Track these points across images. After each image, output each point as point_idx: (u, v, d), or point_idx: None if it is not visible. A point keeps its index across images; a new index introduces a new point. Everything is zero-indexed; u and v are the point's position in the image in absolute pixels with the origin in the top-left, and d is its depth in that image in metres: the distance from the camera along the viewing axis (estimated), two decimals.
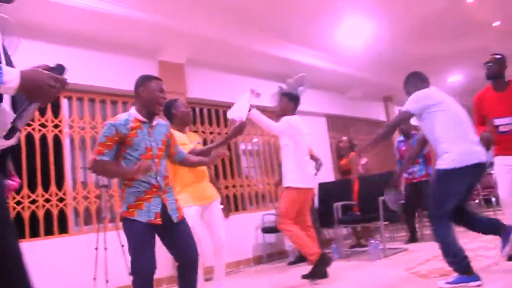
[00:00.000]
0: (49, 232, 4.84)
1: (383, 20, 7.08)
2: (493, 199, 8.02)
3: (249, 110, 4.09)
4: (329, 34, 7.25)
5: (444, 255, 3.32)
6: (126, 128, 2.67)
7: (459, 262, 3.22)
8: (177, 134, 3.51)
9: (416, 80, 3.68)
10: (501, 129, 3.88)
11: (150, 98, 2.75)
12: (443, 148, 3.34)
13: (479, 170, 3.32)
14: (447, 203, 3.29)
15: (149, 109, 2.76)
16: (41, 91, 1.37)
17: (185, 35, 5.87)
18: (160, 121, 2.90)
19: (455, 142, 3.31)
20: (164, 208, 2.70)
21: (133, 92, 5.95)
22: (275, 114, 4.53)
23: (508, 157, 3.88)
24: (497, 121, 3.90)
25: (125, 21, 5.23)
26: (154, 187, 2.70)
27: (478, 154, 3.30)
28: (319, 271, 4.23)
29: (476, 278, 3.16)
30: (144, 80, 2.82)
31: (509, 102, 3.82)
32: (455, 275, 3.25)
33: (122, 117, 2.74)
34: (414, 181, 6.41)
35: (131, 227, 2.63)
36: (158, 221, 2.65)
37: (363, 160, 7.39)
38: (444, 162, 3.31)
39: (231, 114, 4.05)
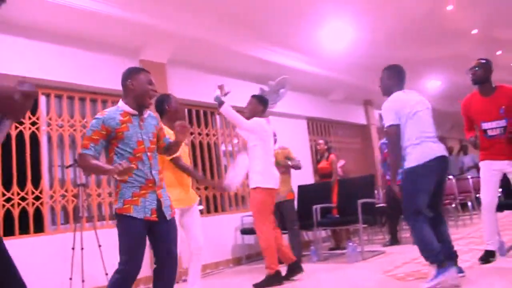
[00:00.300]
0: (24, 231, 4.74)
1: (365, 24, 7.15)
2: (469, 204, 8.16)
3: (220, 105, 4.30)
4: (311, 37, 7.29)
5: (420, 249, 3.41)
6: (116, 122, 2.58)
7: (436, 256, 3.29)
8: (168, 131, 3.47)
9: (394, 78, 3.78)
10: (489, 133, 3.94)
11: (139, 90, 2.67)
12: (408, 150, 3.50)
13: (442, 164, 3.48)
14: (418, 200, 3.42)
15: (139, 102, 2.69)
16: (8, 106, 1.32)
17: (167, 34, 5.83)
18: (150, 113, 2.82)
19: (417, 143, 3.48)
20: (159, 204, 2.64)
21: (113, 91, 5.91)
22: (245, 115, 4.58)
23: (495, 161, 3.94)
24: (485, 125, 3.95)
25: (106, 19, 5.17)
26: (149, 182, 2.62)
27: (438, 148, 3.50)
28: (269, 284, 4.36)
29: (449, 267, 3.26)
30: (131, 73, 2.74)
31: (496, 106, 3.87)
32: (433, 273, 3.31)
33: (110, 110, 2.66)
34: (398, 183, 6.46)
35: (127, 224, 2.54)
36: (154, 217, 2.59)
37: (341, 162, 7.44)
38: (409, 161, 3.48)
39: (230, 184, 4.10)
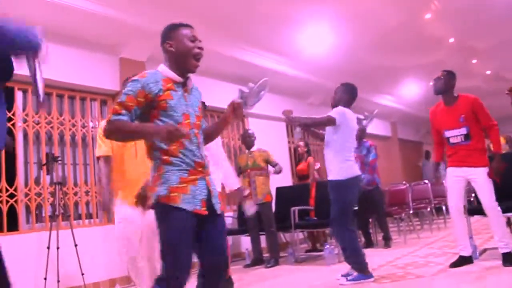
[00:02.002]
0: None
1: (345, 30, 7.24)
2: (444, 208, 8.33)
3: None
4: (292, 40, 7.35)
5: (347, 256, 4.03)
6: (158, 88, 2.10)
7: (361, 263, 3.92)
8: None
9: (348, 94, 4.29)
10: (452, 140, 4.14)
11: (181, 50, 2.19)
12: (338, 161, 4.05)
13: (358, 182, 4.12)
14: (347, 211, 4.03)
15: (181, 66, 2.20)
16: None
17: (147, 32, 5.77)
18: (194, 84, 2.34)
19: (348, 159, 4.06)
20: (209, 194, 2.15)
21: (92, 88, 5.85)
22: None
23: (458, 168, 4.11)
24: (447, 133, 4.16)
25: (86, 15, 5.09)
26: (199, 165, 2.13)
27: (357, 168, 4.15)
28: None
29: (371, 276, 3.92)
30: (169, 31, 2.25)
31: (457, 115, 4.07)
32: (355, 274, 3.93)
33: (150, 73, 2.16)
34: (364, 188, 6.56)
35: (173, 218, 2.03)
36: (204, 211, 2.09)
37: (317, 165, 7.51)
38: (340, 174, 4.02)
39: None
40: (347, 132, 4.08)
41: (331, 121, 4.06)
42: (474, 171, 3.99)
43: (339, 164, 4.02)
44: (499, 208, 3.92)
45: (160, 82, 2.12)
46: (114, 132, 2.09)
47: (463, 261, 4.08)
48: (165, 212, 2.04)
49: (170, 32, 2.24)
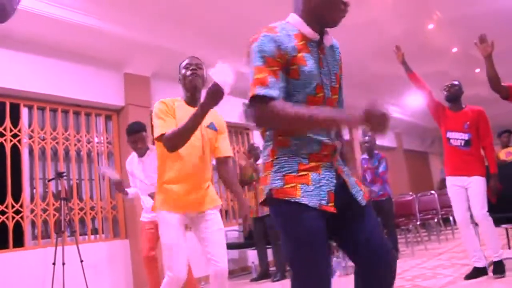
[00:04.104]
0: (3, 245, 4.65)
1: (347, 40, 7.21)
2: (451, 218, 8.25)
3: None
4: None
5: None
6: (292, 46, 1.53)
7: None
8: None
9: None
10: (452, 142, 4.19)
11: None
12: None
13: None
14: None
15: (321, 18, 1.60)
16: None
17: (151, 48, 5.84)
18: (334, 40, 1.74)
19: None
20: (341, 185, 1.62)
21: (97, 104, 5.88)
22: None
23: (458, 177, 4.11)
24: (450, 134, 4.21)
25: (91, 31, 5.15)
26: (326, 148, 1.59)
27: None
28: None
29: None
30: None
31: (462, 120, 4.15)
32: None
33: (279, 25, 1.58)
34: (375, 200, 6.53)
35: (295, 218, 1.52)
36: (331, 207, 1.54)
37: None
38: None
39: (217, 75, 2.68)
40: None
41: None
42: (469, 180, 4.04)
43: None
44: (490, 218, 3.94)
45: (293, 37, 1.55)
46: (272, 118, 1.49)
47: (478, 272, 4.01)
48: (283, 211, 1.55)
49: None
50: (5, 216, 4.71)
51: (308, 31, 1.58)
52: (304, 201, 1.50)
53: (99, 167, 5.57)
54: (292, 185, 1.52)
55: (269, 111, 1.46)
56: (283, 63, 1.50)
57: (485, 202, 3.96)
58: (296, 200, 1.50)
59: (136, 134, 4.08)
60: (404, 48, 4.48)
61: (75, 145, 5.57)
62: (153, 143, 3.92)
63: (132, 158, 4.28)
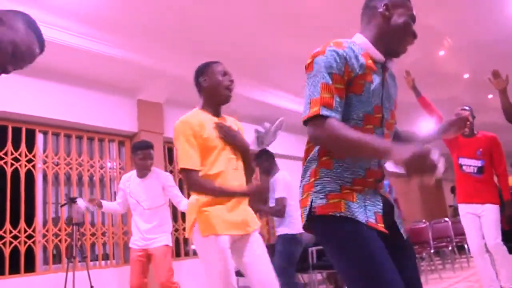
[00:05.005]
0: (15, 270, 4.66)
1: None
2: (466, 246, 8.10)
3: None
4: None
5: None
6: (359, 65, 1.50)
7: None
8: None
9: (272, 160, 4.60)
10: (465, 169, 4.14)
11: (397, 23, 1.59)
12: (291, 219, 4.11)
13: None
14: (293, 264, 4.13)
15: (390, 47, 1.61)
16: None
17: (164, 75, 5.92)
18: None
19: (296, 211, 4.02)
20: (387, 210, 1.53)
21: (111, 130, 5.93)
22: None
23: (470, 205, 4.05)
24: (462, 161, 4.18)
25: (105, 59, 5.26)
26: (371, 175, 1.52)
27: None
28: None
29: None
30: None
31: (475, 147, 4.12)
32: None
33: (347, 43, 1.54)
34: None
35: (344, 230, 1.42)
36: (382, 227, 1.44)
37: None
38: (291, 228, 4.10)
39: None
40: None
41: None
42: (483, 208, 3.98)
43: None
44: (504, 247, 3.87)
45: (360, 56, 1.53)
46: (331, 140, 1.42)
47: None
48: (328, 226, 1.45)
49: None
50: (18, 240, 4.73)
51: (375, 53, 1.57)
52: (350, 215, 1.41)
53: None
54: (336, 200, 1.44)
55: (329, 132, 1.40)
56: (348, 80, 1.47)
57: (499, 231, 3.89)
58: (342, 215, 1.41)
59: (147, 150, 3.95)
60: (415, 75, 4.49)
61: (88, 170, 5.62)
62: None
63: (130, 176, 4.07)
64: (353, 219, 1.41)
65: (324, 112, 1.40)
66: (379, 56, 1.56)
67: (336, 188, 1.46)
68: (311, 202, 1.48)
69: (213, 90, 2.33)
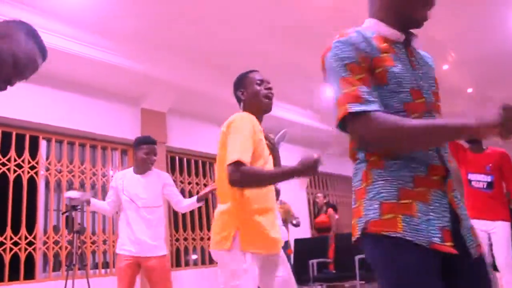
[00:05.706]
0: (15, 277, 4.64)
1: None
2: None
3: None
4: (312, 91, 7.44)
5: None
6: (372, 47, 1.32)
7: None
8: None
9: None
10: (474, 184, 4.08)
11: None
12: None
13: None
14: None
15: (404, 17, 1.37)
16: None
17: (169, 84, 5.95)
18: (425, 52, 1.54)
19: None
20: (454, 220, 1.25)
21: (114, 138, 5.95)
22: None
23: (478, 221, 3.97)
24: (471, 176, 4.12)
25: (109, 67, 5.30)
26: (434, 171, 1.27)
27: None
28: None
29: None
30: None
31: (484, 162, 4.06)
32: None
33: (353, 31, 1.35)
34: None
35: (396, 258, 1.21)
36: (449, 247, 1.20)
37: (335, 217, 7.41)
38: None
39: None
40: None
41: None
42: (493, 225, 3.92)
43: None
44: None
45: (371, 39, 1.33)
46: (385, 136, 1.23)
47: None
48: (381, 249, 1.24)
49: None
50: (18, 247, 4.73)
51: (389, 31, 1.36)
52: (408, 236, 1.18)
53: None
54: (391, 215, 1.21)
55: (376, 126, 1.20)
56: (368, 67, 1.27)
57: (510, 250, 3.83)
58: (398, 235, 1.18)
59: (151, 145, 3.73)
60: None
61: (91, 178, 5.63)
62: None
63: (124, 174, 3.84)
64: (411, 242, 1.18)
65: (354, 108, 1.21)
66: (394, 33, 1.36)
67: (393, 194, 1.22)
68: (365, 214, 1.25)
69: (252, 100, 2.28)
